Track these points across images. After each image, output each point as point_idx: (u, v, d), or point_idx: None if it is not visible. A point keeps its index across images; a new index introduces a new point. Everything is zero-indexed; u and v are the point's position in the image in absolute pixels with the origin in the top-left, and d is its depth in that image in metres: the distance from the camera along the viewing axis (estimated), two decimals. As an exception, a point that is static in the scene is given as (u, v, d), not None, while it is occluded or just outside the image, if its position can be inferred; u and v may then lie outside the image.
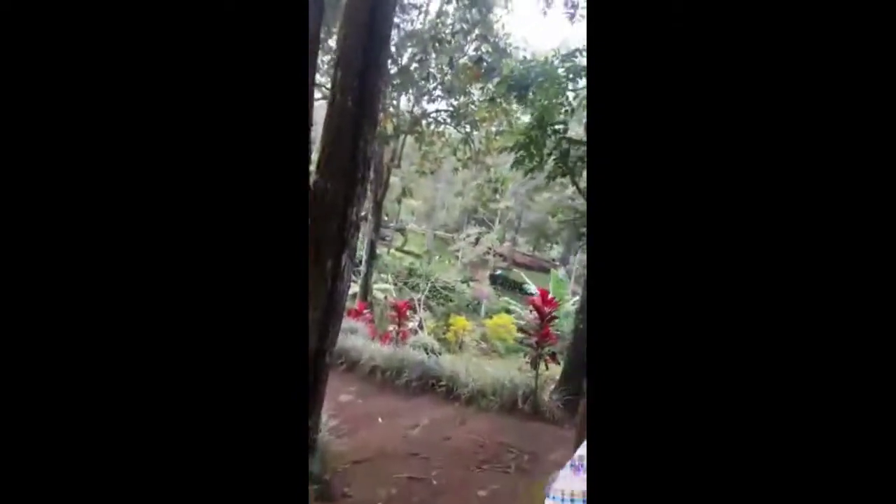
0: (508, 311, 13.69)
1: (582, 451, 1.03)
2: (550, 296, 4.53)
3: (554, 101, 4.69)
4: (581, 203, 5.17)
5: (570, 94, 4.79)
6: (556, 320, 4.54)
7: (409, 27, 8.93)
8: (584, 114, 4.69)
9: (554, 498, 1.03)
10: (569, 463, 1.06)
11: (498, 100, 8.59)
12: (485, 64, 8.93)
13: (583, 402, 2.60)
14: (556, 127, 4.52)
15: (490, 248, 22.06)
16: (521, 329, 5.11)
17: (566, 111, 4.69)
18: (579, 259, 23.55)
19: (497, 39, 9.14)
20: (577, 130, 5.27)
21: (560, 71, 4.81)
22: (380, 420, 3.89)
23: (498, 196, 12.81)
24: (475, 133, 10.09)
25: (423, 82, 9.42)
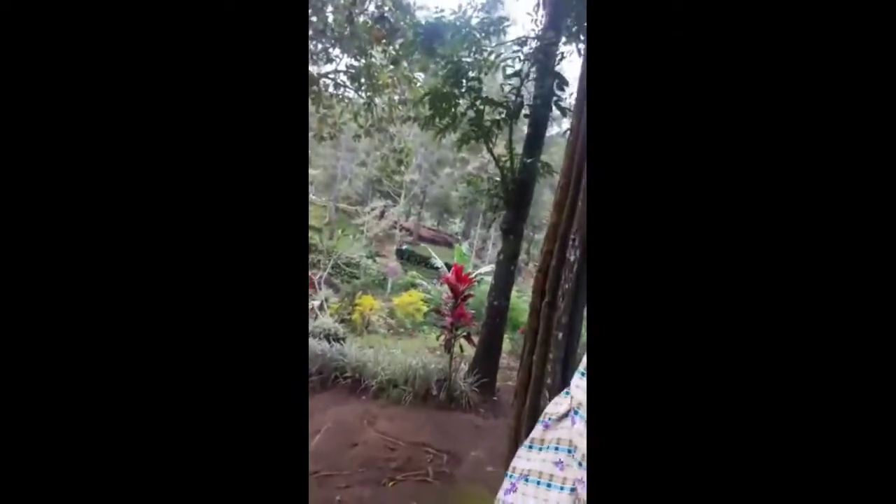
0: (415, 286, 13.45)
1: (551, 408, 1.01)
2: (466, 272, 4.18)
3: (468, 56, 4.21)
4: (494, 172, 4.85)
5: (486, 52, 4.35)
6: (472, 298, 4.21)
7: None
8: (500, 74, 4.30)
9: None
10: (540, 422, 1.01)
11: (402, 63, 7.91)
12: (388, 24, 8.15)
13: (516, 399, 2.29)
14: (471, 84, 4.06)
15: (396, 223, 21.47)
16: (435, 309, 4.72)
17: (481, 68, 4.24)
18: (479, 233, 24.37)
19: (399, -4, 8.37)
20: (492, 91, 4.87)
21: (474, 22, 4.33)
22: (269, 429, 3.23)
23: (403, 168, 12.31)
24: (377, 100, 9.35)
25: (319, 38, 8.29)
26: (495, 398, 4.15)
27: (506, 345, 5.66)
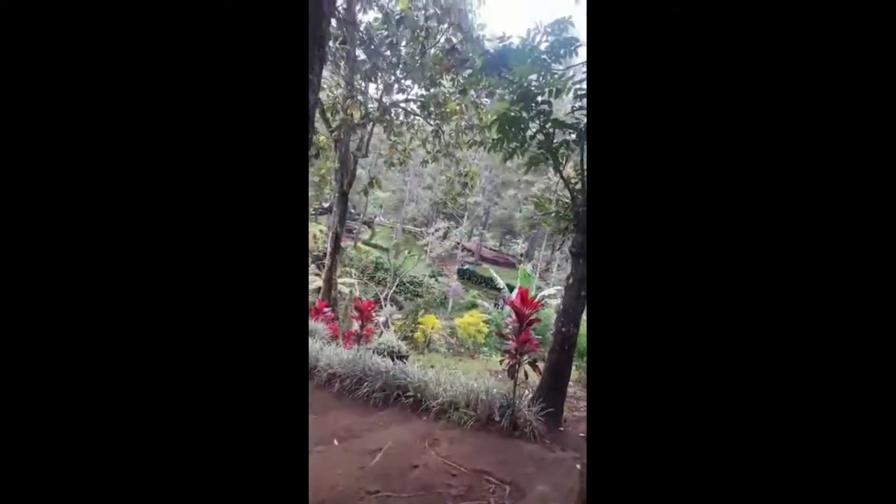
0: (476, 307, 13.34)
1: None
2: (531, 295, 4.08)
3: (537, 78, 4.21)
4: (561, 194, 4.74)
5: (555, 75, 4.32)
6: (538, 323, 4.08)
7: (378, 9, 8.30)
8: (570, 96, 4.24)
9: None
10: None
11: (470, 91, 8.12)
12: (457, 55, 8.46)
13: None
14: (541, 108, 4.04)
15: (459, 243, 21.66)
16: (499, 334, 4.63)
17: (550, 91, 4.21)
18: (543, 255, 23.72)
19: (471, 29, 8.67)
20: (561, 113, 4.81)
21: (543, 47, 4.34)
22: (335, 443, 3.32)
23: (468, 190, 12.52)
24: (445, 127, 9.66)
25: (393, 71, 8.81)
26: (562, 429, 3.94)
27: (574, 374, 5.38)
